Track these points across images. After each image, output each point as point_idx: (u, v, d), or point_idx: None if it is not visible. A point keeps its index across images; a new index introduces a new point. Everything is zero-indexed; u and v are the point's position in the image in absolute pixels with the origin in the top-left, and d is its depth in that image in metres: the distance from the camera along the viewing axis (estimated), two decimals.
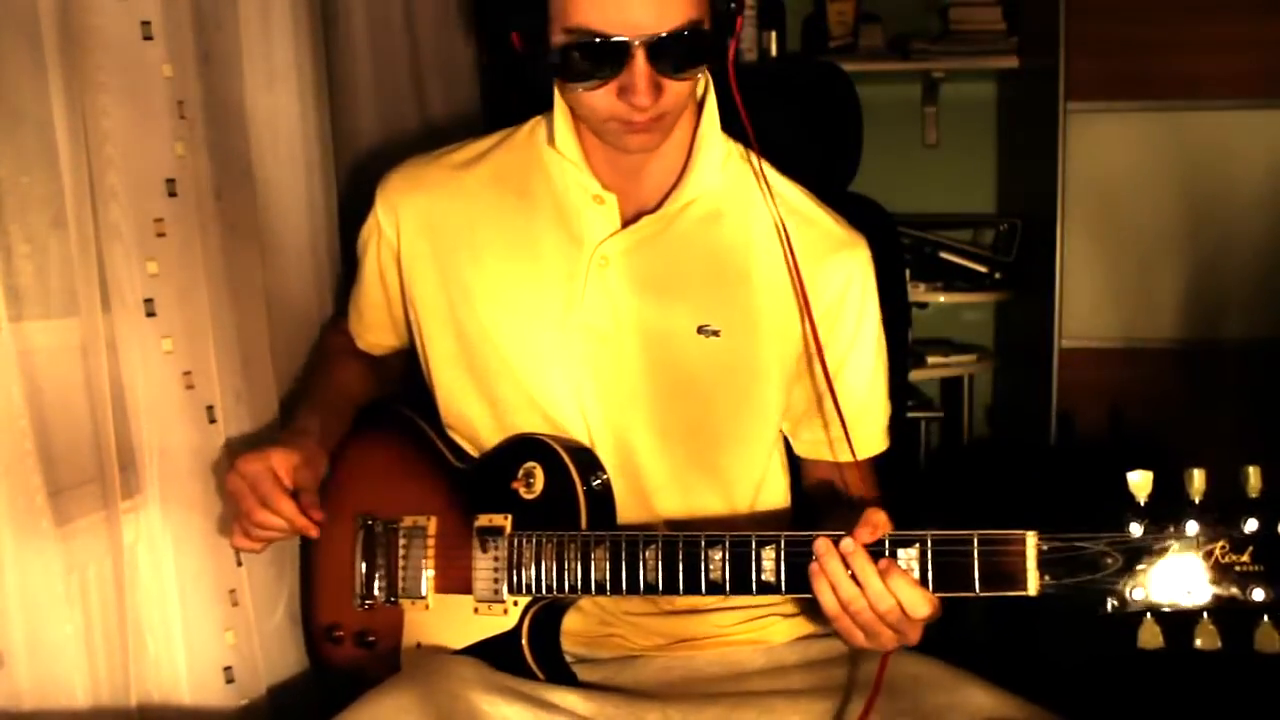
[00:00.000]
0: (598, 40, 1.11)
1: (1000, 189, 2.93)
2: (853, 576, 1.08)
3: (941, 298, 2.74)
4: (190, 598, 1.31)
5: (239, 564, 1.37)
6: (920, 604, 1.08)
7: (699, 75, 1.17)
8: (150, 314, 1.26)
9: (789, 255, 1.26)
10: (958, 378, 2.82)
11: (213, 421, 1.33)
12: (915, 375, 2.73)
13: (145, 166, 1.25)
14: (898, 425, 1.42)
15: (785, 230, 1.27)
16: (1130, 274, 2.40)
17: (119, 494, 1.21)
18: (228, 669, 1.35)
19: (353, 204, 1.44)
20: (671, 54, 1.13)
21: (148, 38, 1.24)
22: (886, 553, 1.09)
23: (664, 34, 1.11)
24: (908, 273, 2.08)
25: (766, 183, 1.29)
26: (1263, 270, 2.33)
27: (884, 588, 1.07)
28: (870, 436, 1.36)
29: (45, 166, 1.17)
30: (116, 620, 1.23)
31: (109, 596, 1.24)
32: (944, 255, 2.75)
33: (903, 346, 1.59)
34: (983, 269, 2.74)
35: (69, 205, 1.17)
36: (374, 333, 1.47)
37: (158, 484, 1.28)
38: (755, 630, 1.36)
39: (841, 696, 1.23)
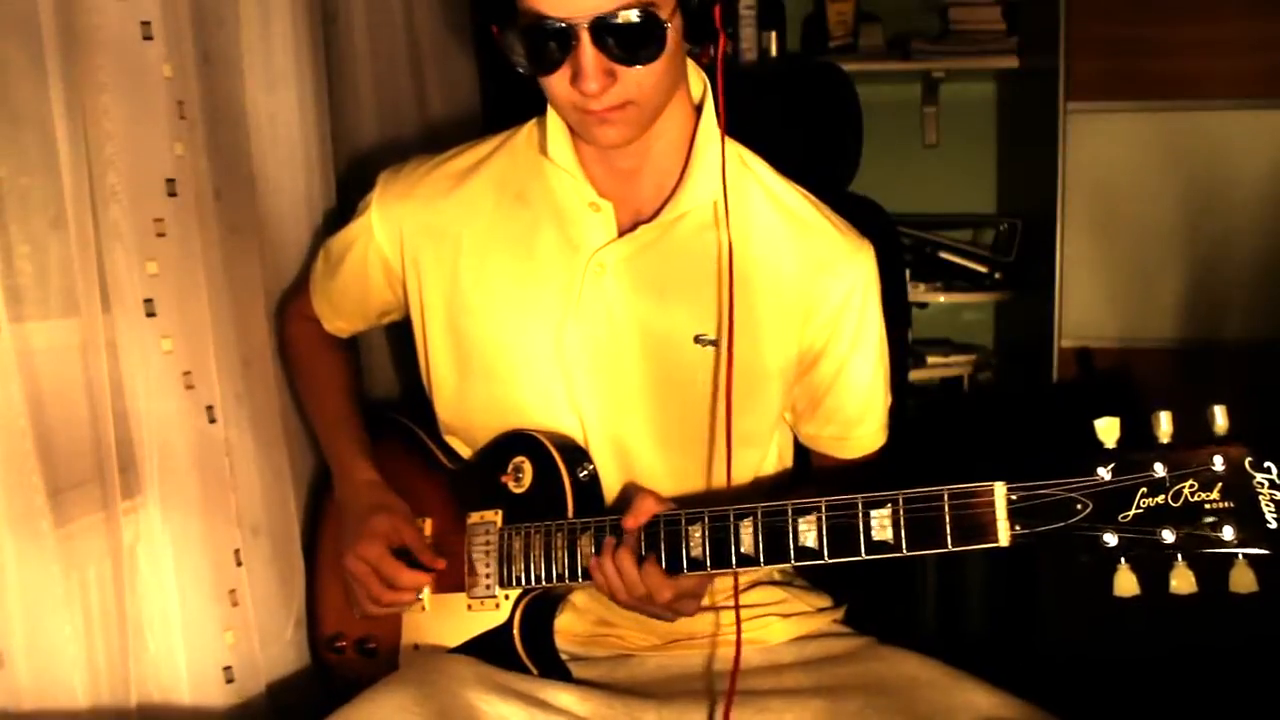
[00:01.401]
0: (545, 24, 1.10)
1: (1000, 189, 2.93)
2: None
3: (941, 298, 2.73)
4: (190, 598, 1.31)
5: (239, 564, 1.37)
6: (660, 589, 1.18)
7: (661, 62, 1.13)
8: (150, 314, 1.26)
9: (727, 261, 1.25)
10: (958, 378, 2.82)
11: (213, 421, 1.33)
12: (915, 375, 2.73)
13: (145, 166, 1.25)
14: (898, 412, 1.43)
15: (731, 246, 1.26)
16: (1130, 274, 2.40)
17: (119, 494, 1.21)
18: (227, 669, 1.35)
19: (353, 204, 1.43)
20: (620, 38, 1.10)
21: (148, 38, 1.24)
22: (860, 516, 1.10)
23: (609, 15, 1.08)
24: (908, 273, 2.08)
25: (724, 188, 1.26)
26: (1263, 270, 2.32)
27: (638, 579, 1.18)
28: (869, 435, 1.38)
29: (45, 166, 1.17)
30: (116, 620, 1.23)
31: (109, 596, 1.24)
32: (944, 255, 2.74)
33: (903, 346, 1.59)
34: (983, 269, 2.74)
35: (69, 205, 1.16)
36: (345, 320, 1.48)
37: (158, 484, 1.28)
38: (752, 629, 1.36)
39: (838, 696, 1.23)
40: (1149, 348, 2.40)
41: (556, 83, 1.15)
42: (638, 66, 1.13)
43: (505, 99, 1.97)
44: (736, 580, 1.25)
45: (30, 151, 1.18)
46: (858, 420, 1.36)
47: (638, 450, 1.31)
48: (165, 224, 1.27)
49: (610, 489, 1.31)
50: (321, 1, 1.60)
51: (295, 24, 1.51)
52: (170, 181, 1.27)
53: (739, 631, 1.22)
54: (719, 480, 1.31)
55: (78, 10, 1.18)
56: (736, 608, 1.23)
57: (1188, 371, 2.36)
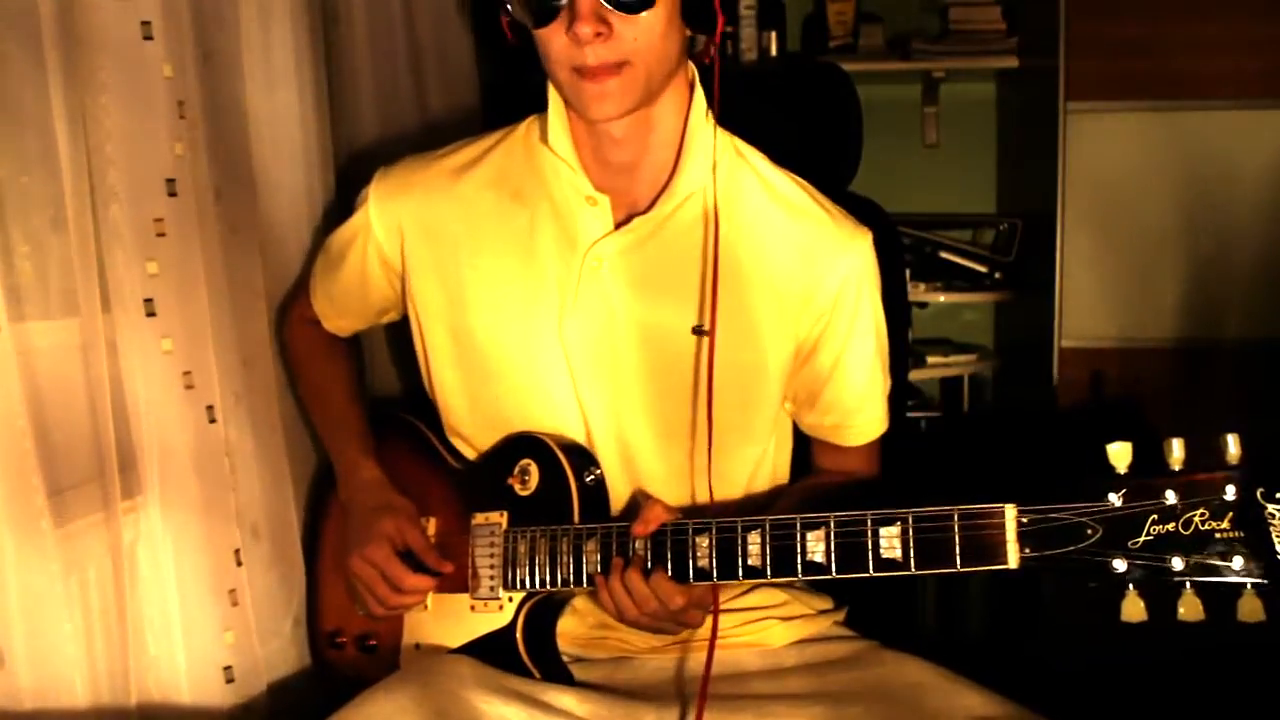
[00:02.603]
0: None
1: (1000, 189, 2.93)
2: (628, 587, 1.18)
3: (941, 298, 2.74)
4: (190, 598, 1.31)
5: (239, 564, 1.37)
6: (671, 596, 1.17)
7: (658, 20, 1.14)
8: (150, 314, 1.26)
9: (713, 247, 1.25)
10: (958, 378, 2.82)
11: (213, 421, 1.33)
12: (915, 375, 2.73)
13: (145, 166, 1.25)
14: (898, 412, 1.44)
15: (717, 218, 1.26)
16: (1130, 274, 2.40)
17: (119, 494, 1.21)
18: (228, 669, 1.35)
19: (353, 203, 1.43)
20: None
21: (148, 38, 1.24)
22: (869, 533, 1.09)
23: None
24: (908, 273, 2.08)
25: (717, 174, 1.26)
26: (1263, 270, 2.33)
27: (648, 593, 1.17)
28: (869, 422, 1.38)
29: (45, 166, 1.17)
30: (116, 620, 1.23)
31: (109, 596, 1.23)
32: (944, 255, 2.74)
33: (903, 346, 1.59)
34: (982, 269, 2.74)
35: (69, 205, 1.16)
36: (345, 319, 1.47)
37: (158, 484, 1.28)
38: (753, 632, 1.36)
39: (840, 701, 1.22)
40: (1149, 347, 2.40)
41: (552, 36, 1.15)
42: (634, 16, 1.13)
43: (505, 99, 1.97)
44: (716, 588, 1.23)
45: (30, 151, 1.18)
46: (857, 409, 1.36)
47: (639, 445, 1.31)
48: (165, 224, 1.27)
49: (614, 485, 1.31)
50: (322, 2, 1.60)
51: (295, 24, 1.51)
52: (170, 181, 1.27)
53: (713, 637, 1.20)
54: (718, 478, 1.31)
55: (78, 10, 1.18)
56: (715, 611, 1.22)
57: (1188, 371, 2.37)
